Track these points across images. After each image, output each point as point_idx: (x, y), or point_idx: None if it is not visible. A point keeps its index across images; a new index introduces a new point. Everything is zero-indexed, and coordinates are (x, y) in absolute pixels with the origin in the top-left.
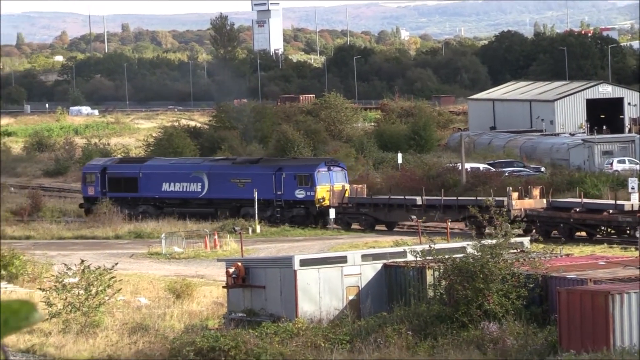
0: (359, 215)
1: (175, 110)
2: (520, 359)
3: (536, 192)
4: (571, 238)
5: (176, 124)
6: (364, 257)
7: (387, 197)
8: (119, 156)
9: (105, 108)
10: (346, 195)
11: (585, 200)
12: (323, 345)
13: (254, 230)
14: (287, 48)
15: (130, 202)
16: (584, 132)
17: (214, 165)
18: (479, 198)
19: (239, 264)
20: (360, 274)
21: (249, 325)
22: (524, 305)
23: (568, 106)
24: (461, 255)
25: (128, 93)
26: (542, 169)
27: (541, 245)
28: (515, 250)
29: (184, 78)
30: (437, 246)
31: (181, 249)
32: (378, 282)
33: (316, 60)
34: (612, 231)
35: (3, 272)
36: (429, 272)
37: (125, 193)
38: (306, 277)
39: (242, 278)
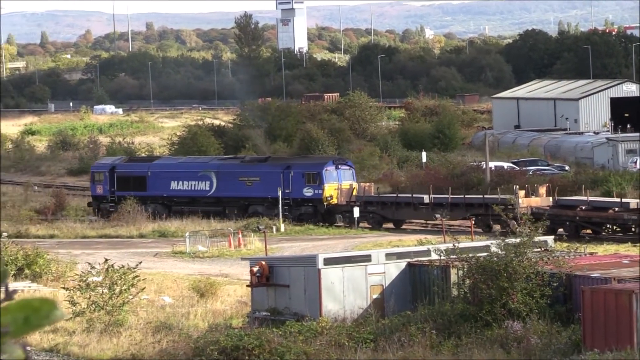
0: (366, 214)
1: (200, 109)
2: (544, 357)
3: (542, 190)
4: (577, 236)
5: (200, 122)
6: (388, 255)
7: (395, 195)
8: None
9: (130, 107)
10: (354, 193)
11: (590, 198)
12: (347, 344)
13: (278, 229)
14: (312, 47)
15: (139, 200)
16: (608, 131)
17: (223, 164)
18: (486, 196)
19: (263, 262)
20: (385, 272)
21: (273, 324)
22: (548, 304)
23: (592, 105)
24: (485, 254)
25: (152, 92)
26: (566, 167)
27: (565, 244)
28: (539, 249)
29: (208, 77)
30: (461, 245)
31: (205, 247)
32: (402, 281)
33: (340, 59)
34: (618, 229)
35: (27, 271)
36: (453, 271)
37: (134, 192)
38: (330, 276)
39: (266, 277)
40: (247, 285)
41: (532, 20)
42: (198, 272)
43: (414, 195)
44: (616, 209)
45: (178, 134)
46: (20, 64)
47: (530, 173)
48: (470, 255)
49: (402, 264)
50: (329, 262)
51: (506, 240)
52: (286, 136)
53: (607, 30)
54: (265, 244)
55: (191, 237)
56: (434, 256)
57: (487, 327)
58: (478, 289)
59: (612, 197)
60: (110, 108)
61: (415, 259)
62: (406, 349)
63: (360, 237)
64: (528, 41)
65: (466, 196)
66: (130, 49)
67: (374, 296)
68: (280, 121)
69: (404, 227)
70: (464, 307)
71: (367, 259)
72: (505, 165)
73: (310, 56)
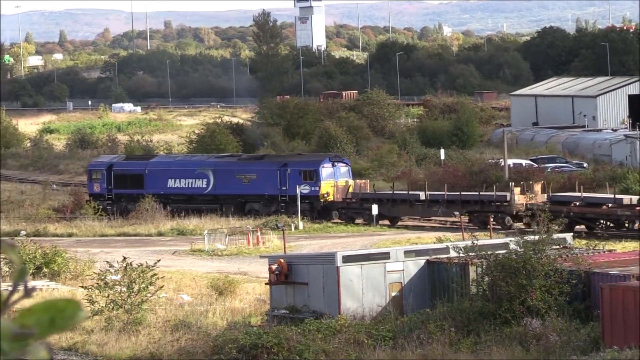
0: (362, 210)
1: (218, 106)
2: (563, 355)
3: (537, 187)
4: (571, 231)
5: (219, 120)
6: (407, 253)
7: (391, 192)
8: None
9: (148, 105)
10: (350, 190)
11: (584, 194)
12: (366, 342)
13: (296, 227)
14: (330, 44)
15: (136, 198)
16: (626, 128)
17: (220, 162)
18: (481, 193)
19: (282, 260)
20: (403, 270)
21: (292, 322)
22: (566, 302)
23: (610, 102)
24: (504, 251)
25: (170, 90)
26: (585, 164)
27: (584, 241)
28: (557, 246)
29: (226, 75)
30: (480, 242)
31: (224, 245)
32: (421, 279)
33: (359, 56)
34: (611, 225)
35: (45, 270)
36: (471, 269)
37: (132, 190)
38: (349, 274)
39: (284, 275)
40: (266, 283)
41: (550, 18)
42: (217, 270)
43: (410, 192)
44: (610, 205)
45: (196, 132)
46: (38, 62)
47: (549, 170)
48: (489, 252)
49: (421, 261)
50: (347, 259)
51: (525, 238)
52: (304, 134)
53: (625, 28)
54: (284, 242)
55: (210, 235)
56: (452, 253)
57: (506, 324)
58: (497, 287)
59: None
60: (128, 106)
61: (434, 257)
62: (425, 346)
63: (379, 235)
64: (546, 38)
65: (462, 193)
66: (149, 47)
67: (393, 294)
68: (298, 119)
69: (422, 224)
70: (482, 304)
71: (385, 256)
72: (524, 162)
73: (329, 54)
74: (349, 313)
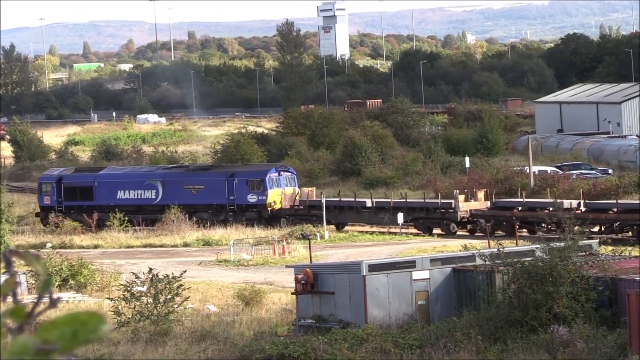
0: (310, 217)
1: (242, 117)
2: None
3: (480, 194)
4: (513, 235)
5: (243, 130)
6: (433, 261)
7: (338, 199)
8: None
9: (173, 116)
10: (297, 198)
11: (526, 199)
12: (392, 350)
13: (322, 236)
14: (354, 53)
15: (86, 210)
16: None
17: (168, 173)
18: (427, 200)
19: (308, 270)
20: (429, 278)
21: (318, 332)
22: (593, 308)
23: (635, 108)
24: (530, 258)
25: (195, 100)
26: (610, 171)
27: (610, 248)
28: (583, 253)
29: (250, 84)
30: (506, 250)
31: (249, 255)
32: (447, 287)
33: (382, 65)
34: (552, 228)
35: (71, 282)
36: (498, 276)
37: (81, 202)
38: (375, 283)
39: (310, 284)
40: (292, 293)
41: (574, 24)
42: (243, 280)
43: (357, 200)
44: (551, 208)
45: (221, 142)
46: (63, 74)
47: (574, 177)
48: (515, 260)
49: (447, 269)
50: (373, 268)
51: (551, 245)
52: (329, 143)
53: None
54: (309, 251)
55: (235, 246)
56: (478, 261)
57: (533, 332)
58: (523, 294)
59: None
60: (153, 117)
61: (460, 265)
62: (452, 355)
63: (405, 243)
64: (570, 45)
65: (407, 200)
66: (173, 58)
67: (419, 302)
68: (323, 128)
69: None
70: (509, 312)
71: (411, 265)
72: (549, 169)
73: (352, 63)
74: (376, 322)
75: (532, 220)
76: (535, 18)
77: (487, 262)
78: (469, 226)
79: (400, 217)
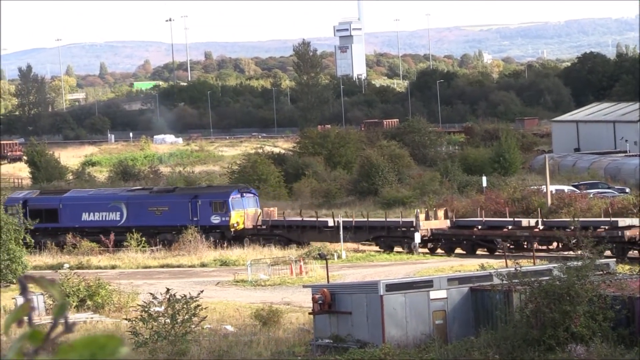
0: (272, 237)
1: (259, 137)
2: None
3: (440, 213)
4: (473, 254)
5: (260, 150)
6: (450, 281)
7: (300, 218)
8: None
9: (189, 136)
10: (259, 218)
11: (486, 218)
12: None
13: (339, 256)
14: (370, 73)
15: (51, 232)
16: None
17: (132, 195)
18: (388, 219)
19: (325, 290)
20: (447, 298)
21: (336, 352)
22: (611, 327)
23: None
24: (547, 277)
25: (212, 121)
26: (627, 189)
27: (627, 267)
28: (601, 272)
29: (267, 105)
30: (523, 269)
31: (267, 276)
32: (464, 306)
33: (399, 84)
34: (511, 246)
35: (89, 302)
36: (515, 295)
37: (47, 224)
38: (392, 302)
39: (328, 304)
40: (310, 313)
41: (590, 43)
42: (260, 300)
43: (319, 219)
44: (510, 227)
45: (238, 162)
46: (80, 95)
47: (591, 196)
48: (532, 279)
49: (464, 289)
50: (391, 288)
51: (568, 264)
52: (346, 163)
53: None
54: (327, 271)
55: (252, 266)
56: (496, 281)
57: (551, 351)
58: (541, 313)
59: None
60: (170, 138)
61: (477, 284)
62: None
63: (422, 263)
64: (586, 64)
65: (369, 219)
66: (190, 79)
67: (437, 322)
68: (339, 148)
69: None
70: (526, 331)
71: (429, 284)
72: (566, 188)
73: (369, 82)
74: (393, 341)
75: (492, 239)
76: (552, 37)
77: (505, 282)
78: (429, 244)
79: (417, 236)
